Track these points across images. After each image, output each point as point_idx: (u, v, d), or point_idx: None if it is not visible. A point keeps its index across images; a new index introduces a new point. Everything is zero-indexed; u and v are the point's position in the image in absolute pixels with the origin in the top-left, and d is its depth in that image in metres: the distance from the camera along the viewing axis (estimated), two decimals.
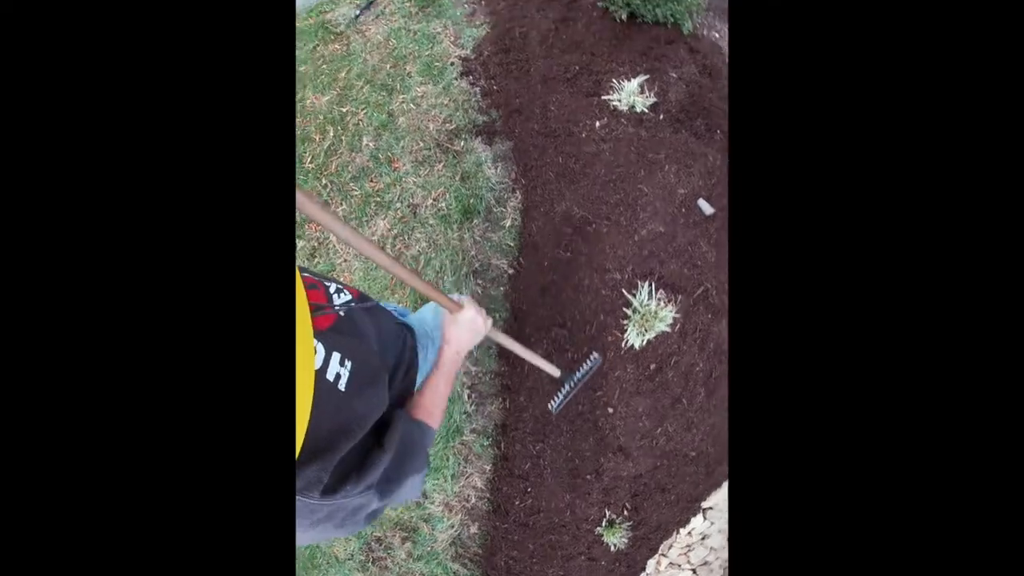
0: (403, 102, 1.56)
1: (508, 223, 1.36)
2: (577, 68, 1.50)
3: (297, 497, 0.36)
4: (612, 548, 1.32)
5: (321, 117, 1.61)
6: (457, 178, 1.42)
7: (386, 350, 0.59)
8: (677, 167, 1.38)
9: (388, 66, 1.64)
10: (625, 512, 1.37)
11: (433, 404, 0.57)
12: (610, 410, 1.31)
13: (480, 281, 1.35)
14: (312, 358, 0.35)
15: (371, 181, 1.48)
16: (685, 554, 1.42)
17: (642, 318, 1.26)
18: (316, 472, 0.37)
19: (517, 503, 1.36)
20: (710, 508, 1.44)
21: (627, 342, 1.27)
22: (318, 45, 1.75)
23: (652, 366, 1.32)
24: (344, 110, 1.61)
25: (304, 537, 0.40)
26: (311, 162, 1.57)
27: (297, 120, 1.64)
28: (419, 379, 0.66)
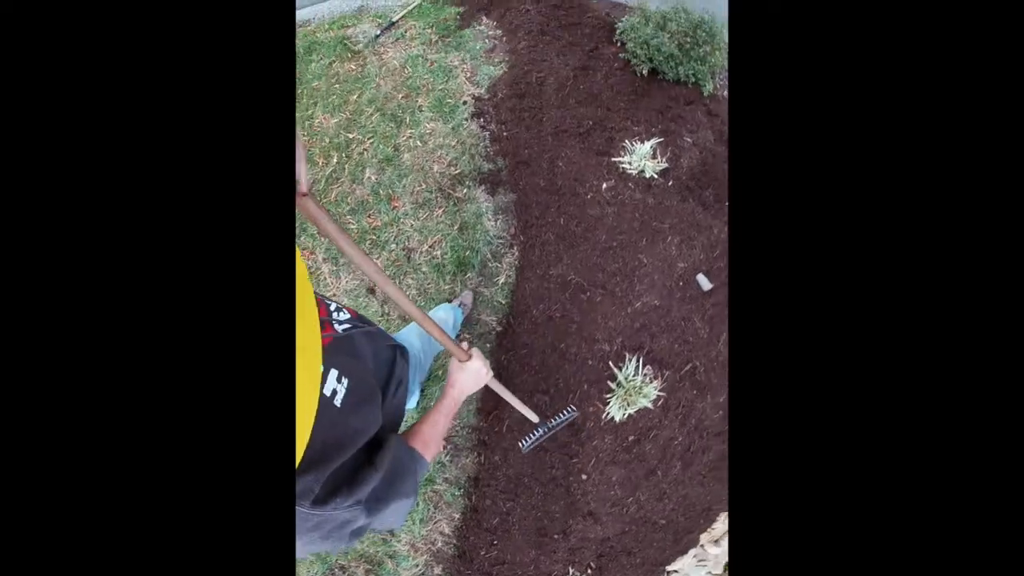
0: (410, 137, 1.54)
1: (502, 280, 1.35)
2: (591, 123, 1.46)
3: None
4: None
5: (327, 140, 1.59)
6: (455, 227, 1.40)
7: (380, 369, 0.61)
8: (680, 239, 1.36)
9: (400, 96, 1.61)
10: (589, 572, 1.39)
11: (430, 437, 0.60)
12: (584, 476, 1.31)
13: (467, 334, 1.35)
14: (319, 373, 0.36)
15: (369, 216, 1.47)
16: None
17: (626, 393, 1.25)
18: (309, 482, 0.39)
19: (483, 553, 1.38)
20: (675, 571, 1.45)
21: (608, 414, 1.27)
22: (334, 61, 1.72)
23: (631, 438, 1.31)
24: (351, 136, 1.59)
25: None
26: (311, 187, 1.55)
27: (303, 140, 1.62)
28: (409, 397, 0.70)
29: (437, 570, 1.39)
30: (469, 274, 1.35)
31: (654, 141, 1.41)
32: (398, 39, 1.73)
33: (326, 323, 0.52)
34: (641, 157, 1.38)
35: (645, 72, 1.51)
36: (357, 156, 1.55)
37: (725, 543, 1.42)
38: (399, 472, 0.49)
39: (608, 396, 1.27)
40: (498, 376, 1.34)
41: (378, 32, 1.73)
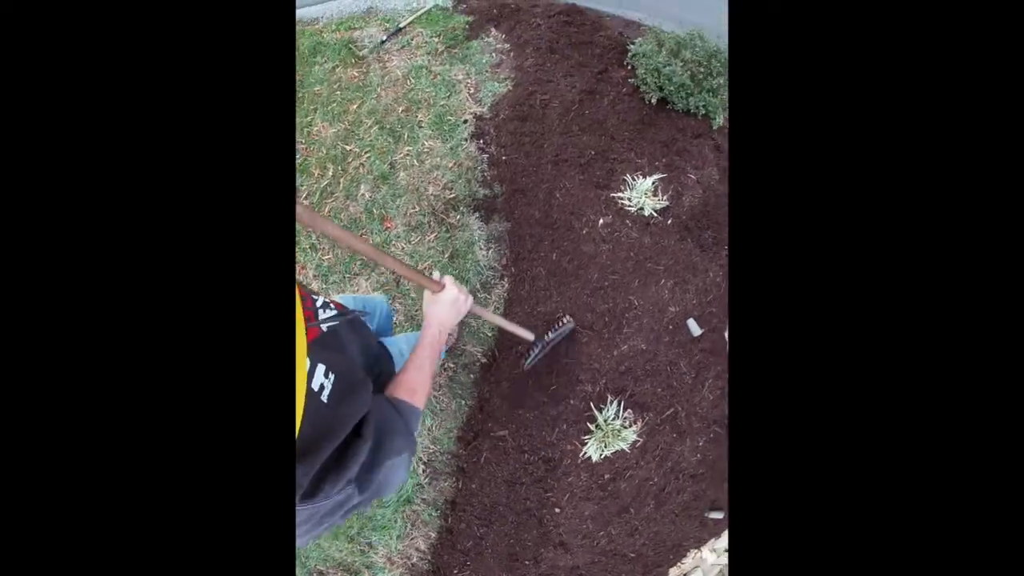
0: (407, 155, 1.51)
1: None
2: (593, 153, 1.42)
3: None
4: None
5: (324, 151, 1.57)
6: (446, 254, 1.39)
7: (368, 360, 0.61)
8: (674, 282, 1.33)
9: (401, 109, 1.57)
10: None
11: (417, 382, 0.58)
12: (557, 510, 1.34)
13: (452, 364, 1.35)
14: (304, 368, 0.37)
15: (361, 235, 1.46)
16: None
17: (604, 435, 1.26)
18: (298, 476, 0.38)
19: (456, 572, 1.42)
20: None
21: (585, 454, 1.28)
22: (338, 66, 1.68)
23: (606, 476, 1.33)
24: (348, 148, 1.56)
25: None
26: (306, 198, 1.54)
27: (301, 148, 1.59)
28: None
29: None
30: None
31: (656, 177, 1.37)
32: (404, 46, 1.67)
33: (312, 319, 0.52)
34: (642, 193, 1.35)
35: (654, 101, 1.45)
36: (353, 171, 1.53)
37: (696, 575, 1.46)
38: (386, 431, 0.49)
39: (587, 437, 1.28)
40: (480, 406, 1.35)
41: (384, 38, 1.67)
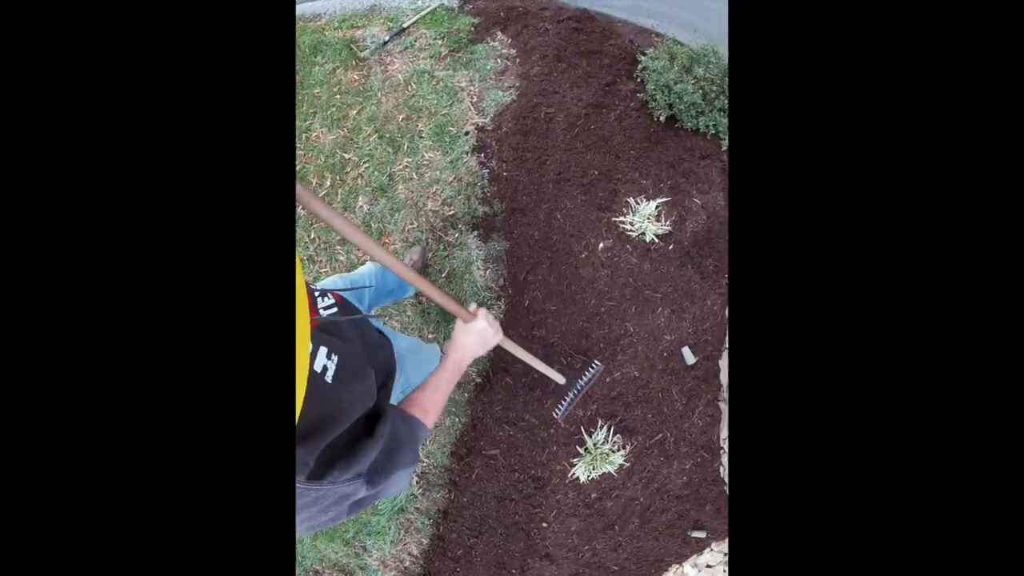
0: (407, 167, 1.48)
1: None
2: (596, 173, 1.38)
3: None
4: None
5: (323, 159, 1.54)
6: (443, 274, 1.38)
7: (369, 350, 0.63)
8: (671, 310, 1.32)
9: (401, 117, 1.53)
10: None
11: (431, 403, 0.60)
12: (544, 524, 1.38)
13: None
14: (307, 350, 0.38)
15: (359, 249, 1.45)
16: None
17: (593, 458, 1.28)
18: (302, 455, 0.39)
19: None
20: None
21: (574, 475, 1.31)
22: (338, 68, 1.62)
23: (593, 495, 1.36)
24: (347, 157, 1.53)
25: None
26: (302, 208, 1.52)
27: (299, 155, 1.56)
28: (395, 389, 0.71)
29: None
30: (453, 323, 1.35)
31: (660, 200, 1.33)
32: (406, 48, 1.61)
33: (311, 309, 0.54)
34: (644, 218, 1.32)
35: (663, 118, 1.40)
36: (351, 181, 1.50)
37: None
38: (398, 443, 0.50)
39: (576, 460, 1.31)
40: (473, 425, 1.38)
41: (387, 38, 1.61)
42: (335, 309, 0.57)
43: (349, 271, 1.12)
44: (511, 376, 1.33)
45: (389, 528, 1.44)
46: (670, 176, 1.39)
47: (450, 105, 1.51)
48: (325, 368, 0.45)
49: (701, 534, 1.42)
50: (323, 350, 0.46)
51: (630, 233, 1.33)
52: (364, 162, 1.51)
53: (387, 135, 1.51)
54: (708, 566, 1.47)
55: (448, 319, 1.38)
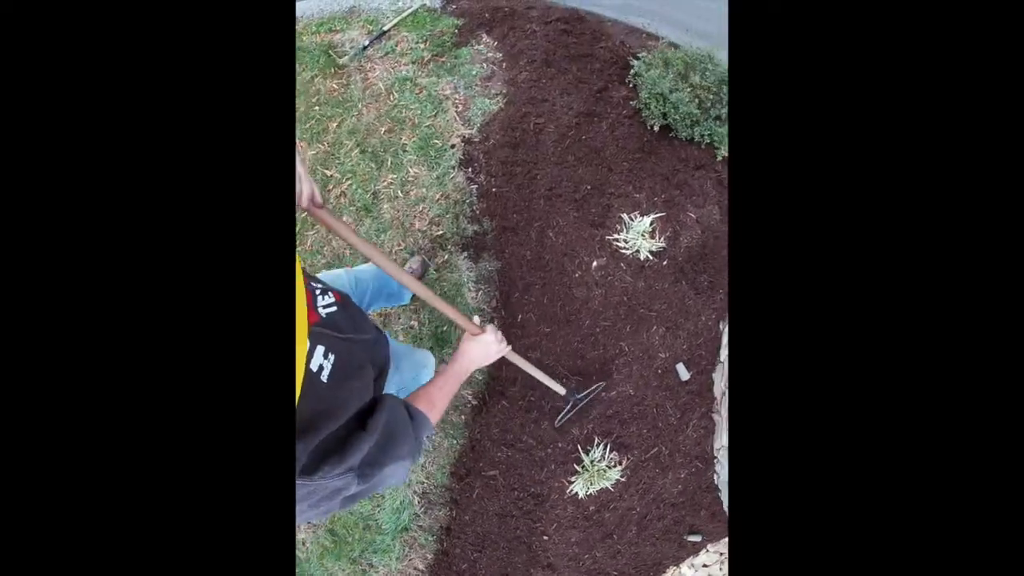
0: (391, 183, 1.42)
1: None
2: (588, 187, 1.34)
3: None
4: None
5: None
6: None
7: (367, 350, 0.64)
8: (665, 328, 1.31)
9: (383, 129, 1.46)
10: None
11: (437, 399, 0.62)
12: (545, 537, 1.41)
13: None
14: (304, 350, 0.39)
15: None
16: None
17: (590, 475, 1.30)
18: (297, 451, 0.40)
19: None
20: None
21: (572, 491, 1.33)
22: (317, 76, 1.53)
23: (591, 508, 1.39)
24: (328, 174, 1.47)
25: None
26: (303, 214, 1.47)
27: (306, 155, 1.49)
28: (389, 387, 0.73)
29: None
30: (447, 348, 1.33)
31: (654, 216, 1.30)
32: (387, 53, 1.52)
33: (311, 308, 0.55)
34: (638, 234, 1.29)
35: (656, 127, 1.35)
36: (334, 200, 1.44)
37: None
38: (395, 434, 0.50)
39: (573, 477, 1.32)
40: (472, 446, 1.38)
41: (366, 42, 1.52)
42: (334, 308, 0.57)
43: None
44: (507, 399, 1.33)
45: (394, 546, 1.47)
46: (664, 189, 1.35)
47: (434, 115, 1.44)
48: (321, 367, 0.45)
49: (697, 538, 1.47)
50: (320, 349, 0.46)
51: (624, 251, 1.30)
52: (347, 179, 1.44)
53: (369, 149, 1.45)
54: (704, 566, 1.53)
55: (442, 343, 1.36)
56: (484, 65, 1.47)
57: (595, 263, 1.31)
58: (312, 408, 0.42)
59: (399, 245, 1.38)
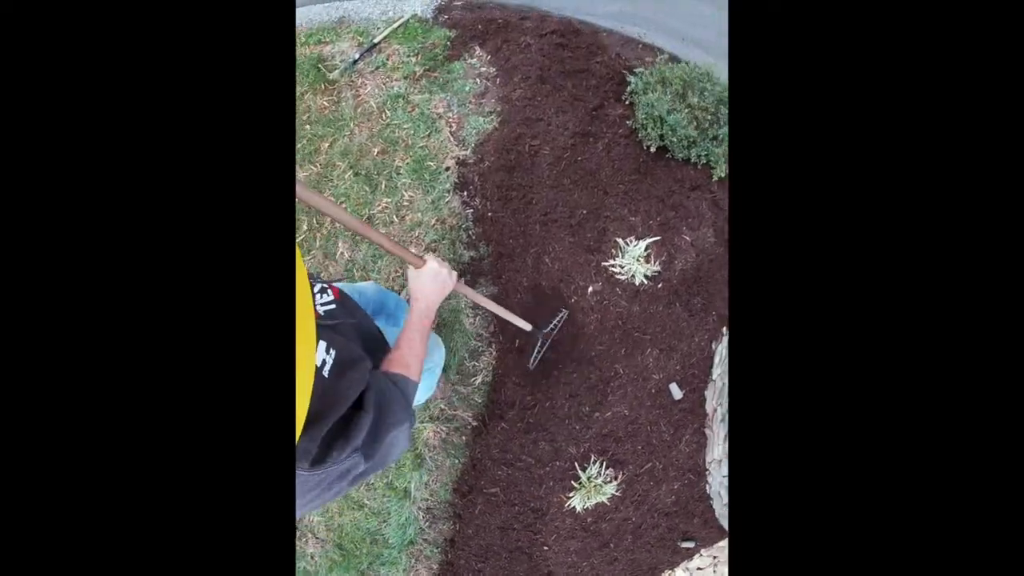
0: (386, 207, 1.40)
1: (479, 380, 1.35)
2: (584, 212, 1.33)
3: None
4: None
5: (296, 200, 1.45)
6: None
7: (364, 342, 0.65)
8: (659, 351, 1.34)
9: (376, 150, 1.43)
10: None
11: (410, 356, 0.61)
12: (545, 548, 1.48)
13: (443, 427, 1.39)
14: (313, 350, 0.41)
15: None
16: None
17: (587, 491, 1.35)
18: (305, 444, 0.43)
19: None
20: None
21: (570, 505, 1.39)
22: (307, 92, 1.49)
23: (589, 520, 1.45)
24: None
25: (297, 506, 0.45)
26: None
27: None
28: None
29: None
30: (447, 373, 1.35)
31: (650, 240, 1.30)
32: (378, 67, 1.47)
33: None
34: (633, 259, 1.30)
35: (653, 148, 1.34)
36: (329, 224, 1.43)
37: None
38: (386, 404, 0.52)
39: (571, 493, 1.37)
40: (473, 466, 1.42)
41: (357, 56, 1.47)
42: (333, 306, 0.59)
43: (349, 267, 1.07)
44: (506, 422, 1.36)
45: (401, 558, 1.53)
46: (659, 211, 1.35)
47: (428, 135, 1.42)
48: (324, 362, 0.47)
49: (690, 544, 1.54)
50: (322, 344, 0.48)
51: (619, 277, 1.31)
52: (340, 203, 1.43)
53: (363, 171, 1.42)
54: (699, 569, 1.61)
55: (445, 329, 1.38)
56: (477, 80, 1.43)
57: (591, 288, 1.32)
58: (317, 402, 0.42)
59: (396, 272, 1.38)
